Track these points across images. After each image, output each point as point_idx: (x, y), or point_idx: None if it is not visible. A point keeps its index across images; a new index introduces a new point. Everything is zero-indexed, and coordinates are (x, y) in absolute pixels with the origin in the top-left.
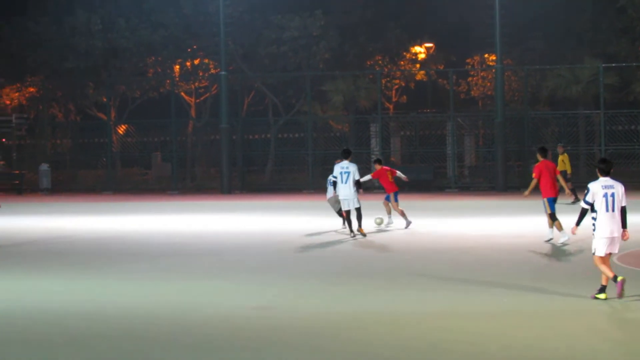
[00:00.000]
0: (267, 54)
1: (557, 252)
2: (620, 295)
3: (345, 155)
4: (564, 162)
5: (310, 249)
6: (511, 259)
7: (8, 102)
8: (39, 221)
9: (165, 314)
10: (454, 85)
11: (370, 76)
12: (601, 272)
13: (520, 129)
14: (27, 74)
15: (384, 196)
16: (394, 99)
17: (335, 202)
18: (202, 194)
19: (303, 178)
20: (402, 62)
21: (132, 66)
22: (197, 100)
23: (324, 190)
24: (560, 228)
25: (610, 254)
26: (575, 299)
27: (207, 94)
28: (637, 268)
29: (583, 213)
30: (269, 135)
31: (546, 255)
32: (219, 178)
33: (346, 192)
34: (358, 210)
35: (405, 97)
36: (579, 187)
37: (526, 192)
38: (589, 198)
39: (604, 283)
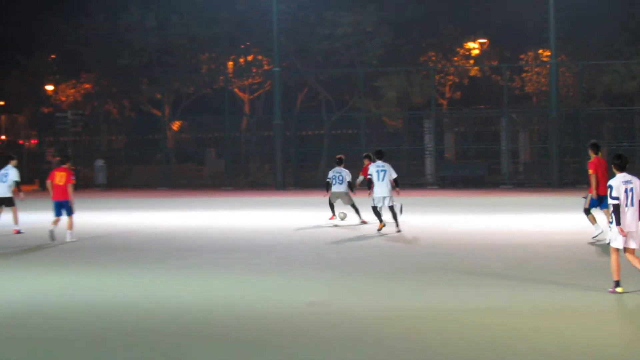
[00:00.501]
0: (320, 50)
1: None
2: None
3: (380, 155)
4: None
5: (363, 245)
6: (566, 256)
7: (64, 99)
8: (94, 217)
9: (218, 310)
10: (508, 81)
11: (424, 72)
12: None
13: (575, 125)
14: (83, 71)
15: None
16: (447, 95)
17: (334, 198)
18: (256, 190)
19: (356, 174)
20: (455, 58)
21: (186, 62)
22: (251, 97)
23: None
24: (593, 221)
25: (632, 250)
26: (635, 295)
27: (261, 90)
28: None
29: (616, 209)
30: (322, 132)
31: (603, 252)
32: (272, 174)
33: (383, 190)
34: (392, 208)
35: (459, 93)
36: None
37: (591, 191)
38: (615, 194)
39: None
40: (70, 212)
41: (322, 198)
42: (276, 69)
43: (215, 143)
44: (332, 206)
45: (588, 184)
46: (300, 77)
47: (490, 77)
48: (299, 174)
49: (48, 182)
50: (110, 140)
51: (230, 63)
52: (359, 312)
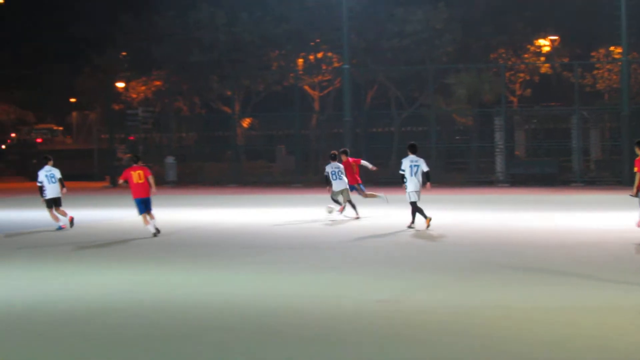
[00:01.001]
0: (390, 47)
1: None
2: None
3: (413, 149)
4: None
5: (431, 242)
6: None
7: (135, 96)
8: (165, 213)
9: (287, 306)
10: (579, 78)
11: (494, 69)
12: None
13: None
14: (153, 68)
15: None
16: (518, 92)
17: (337, 194)
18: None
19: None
20: (526, 55)
21: (256, 60)
22: (321, 94)
23: (447, 183)
24: None
25: None
26: None
27: (331, 88)
28: None
29: None
30: (391, 129)
31: None
32: None
33: (415, 185)
34: (414, 204)
35: (529, 90)
36: None
37: (633, 192)
38: None
39: None
40: (150, 208)
41: (395, 195)
42: (346, 66)
43: (285, 140)
44: (337, 202)
45: None
46: (370, 74)
47: (561, 74)
48: (369, 171)
49: (121, 181)
50: (180, 137)
51: (300, 60)
52: (429, 310)
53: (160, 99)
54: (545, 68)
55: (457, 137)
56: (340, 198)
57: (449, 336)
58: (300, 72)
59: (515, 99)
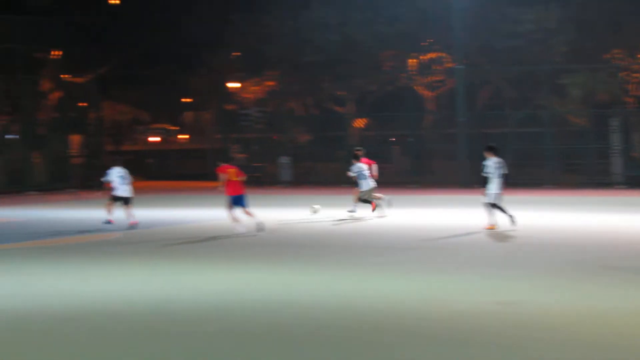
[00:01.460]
0: (503, 48)
1: None
2: None
3: (495, 152)
4: None
5: (552, 243)
6: None
7: (248, 96)
8: (278, 213)
9: (409, 307)
10: None
11: (609, 70)
12: None
13: None
14: (266, 68)
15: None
16: (634, 93)
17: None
18: (440, 188)
19: (542, 173)
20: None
21: (368, 60)
22: (433, 94)
23: (563, 185)
24: None
25: None
26: None
27: (443, 88)
28: None
29: None
30: (505, 130)
31: None
32: (457, 172)
33: (498, 186)
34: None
35: None
36: None
37: None
38: None
39: None
40: (246, 205)
41: (512, 197)
42: (459, 66)
43: (399, 141)
44: (366, 201)
45: None
46: (482, 75)
47: None
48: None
49: (222, 175)
50: (293, 138)
51: (413, 60)
52: (550, 312)
53: (273, 99)
54: None
55: (573, 139)
56: (369, 197)
57: (566, 337)
58: (413, 73)
59: (631, 100)
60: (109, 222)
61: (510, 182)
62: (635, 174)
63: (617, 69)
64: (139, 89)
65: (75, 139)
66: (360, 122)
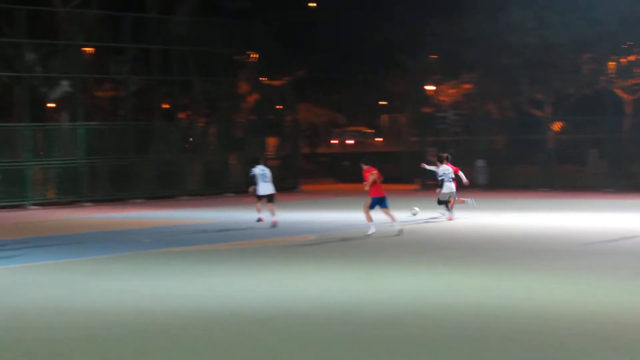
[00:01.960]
0: None
1: None
2: None
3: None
4: None
5: None
6: None
7: (445, 99)
8: (472, 215)
9: (604, 313)
10: None
11: None
12: None
13: None
14: (463, 71)
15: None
16: None
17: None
18: (639, 193)
19: None
20: None
21: (567, 62)
22: (633, 97)
23: None
24: None
25: None
26: None
27: None
28: None
29: None
30: None
31: None
32: None
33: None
34: None
35: None
36: None
37: None
38: None
39: None
40: (388, 206)
41: None
42: None
43: (596, 144)
44: (443, 203)
45: None
46: None
47: None
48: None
49: (372, 178)
50: (489, 140)
51: (612, 63)
52: None
53: (470, 102)
54: None
55: None
56: (448, 199)
57: None
58: (612, 76)
59: None
60: (259, 220)
61: None
62: None
63: None
64: (336, 91)
65: (272, 142)
66: (556, 126)
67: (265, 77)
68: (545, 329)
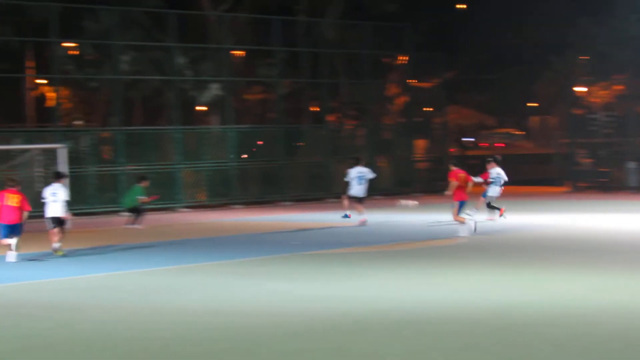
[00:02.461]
0: None
1: None
2: None
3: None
4: None
5: None
6: None
7: (595, 100)
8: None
9: None
10: None
11: None
12: None
13: None
14: (614, 72)
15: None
16: None
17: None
18: None
19: None
20: None
21: None
22: None
23: None
24: None
25: None
26: None
27: None
28: None
29: None
30: None
31: None
32: None
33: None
34: None
35: None
36: None
37: None
38: None
39: None
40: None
41: None
42: None
43: None
44: (492, 206)
45: None
46: None
47: None
48: None
49: (454, 182)
50: None
51: None
52: None
53: (621, 104)
54: None
55: None
56: (494, 201)
57: None
58: None
59: None
60: (346, 216)
61: None
62: None
63: None
64: (485, 93)
65: (420, 144)
66: None
67: (414, 79)
68: None
